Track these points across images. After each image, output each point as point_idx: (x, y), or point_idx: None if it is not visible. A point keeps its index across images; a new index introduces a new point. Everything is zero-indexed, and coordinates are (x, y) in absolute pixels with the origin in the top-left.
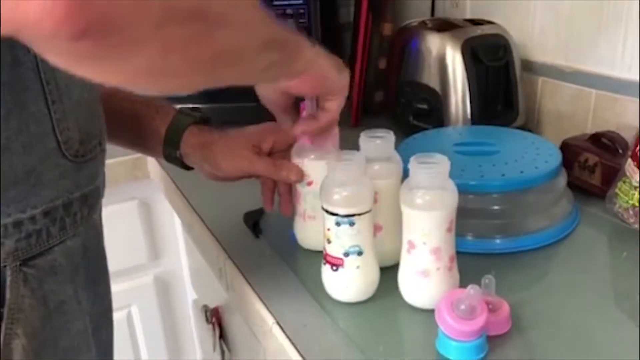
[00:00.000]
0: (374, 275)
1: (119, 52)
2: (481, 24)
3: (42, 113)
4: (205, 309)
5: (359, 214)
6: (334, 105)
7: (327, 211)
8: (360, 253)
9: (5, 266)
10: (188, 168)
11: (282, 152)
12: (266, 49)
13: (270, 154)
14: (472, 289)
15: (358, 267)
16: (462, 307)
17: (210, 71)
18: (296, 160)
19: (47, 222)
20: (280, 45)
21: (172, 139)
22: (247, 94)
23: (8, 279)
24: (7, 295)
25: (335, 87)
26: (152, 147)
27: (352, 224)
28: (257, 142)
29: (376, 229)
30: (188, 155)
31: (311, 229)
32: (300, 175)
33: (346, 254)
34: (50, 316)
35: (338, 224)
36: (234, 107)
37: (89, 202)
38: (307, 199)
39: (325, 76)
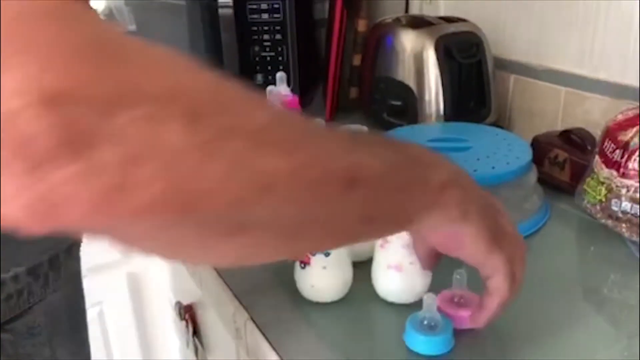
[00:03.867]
0: (342, 278)
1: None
2: (454, 22)
3: None
4: (179, 305)
5: None
6: (496, 283)
7: None
8: (327, 254)
9: None
10: None
11: None
12: (360, 224)
13: None
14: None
15: (324, 267)
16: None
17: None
18: None
19: (30, 280)
20: (383, 219)
21: None
22: None
23: None
24: None
25: (482, 262)
26: None
27: None
28: None
29: None
30: None
31: None
32: None
33: (313, 253)
34: None
35: None
36: None
37: (73, 251)
38: None
39: (462, 240)
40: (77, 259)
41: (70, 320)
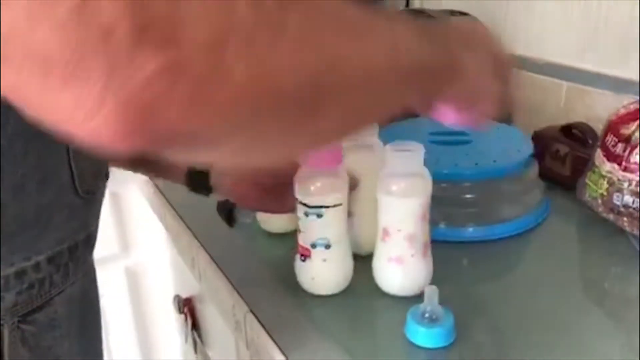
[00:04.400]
0: (343, 270)
1: (192, 149)
2: (455, 16)
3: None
4: (177, 299)
5: (328, 207)
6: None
7: (297, 200)
8: (327, 246)
9: (2, 324)
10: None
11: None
12: (398, 86)
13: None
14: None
15: (325, 260)
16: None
17: (322, 141)
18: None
19: (51, 270)
20: (423, 76)
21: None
22: None
23: (6, 340)
24: (6, 359)
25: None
26: (171, 170)
27: (319, 215)
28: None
29: (353, 216)
30: (221, 187)
31: None
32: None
33: (313, 246)
34: None
35: (306, 214)
36: None
37: (91, 242)
38: None
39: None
40: (93, 249)
41: (86, 314)
